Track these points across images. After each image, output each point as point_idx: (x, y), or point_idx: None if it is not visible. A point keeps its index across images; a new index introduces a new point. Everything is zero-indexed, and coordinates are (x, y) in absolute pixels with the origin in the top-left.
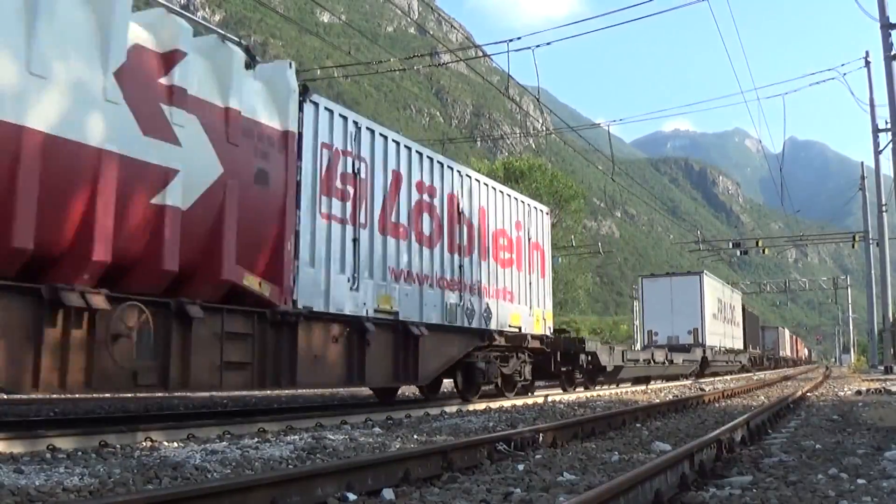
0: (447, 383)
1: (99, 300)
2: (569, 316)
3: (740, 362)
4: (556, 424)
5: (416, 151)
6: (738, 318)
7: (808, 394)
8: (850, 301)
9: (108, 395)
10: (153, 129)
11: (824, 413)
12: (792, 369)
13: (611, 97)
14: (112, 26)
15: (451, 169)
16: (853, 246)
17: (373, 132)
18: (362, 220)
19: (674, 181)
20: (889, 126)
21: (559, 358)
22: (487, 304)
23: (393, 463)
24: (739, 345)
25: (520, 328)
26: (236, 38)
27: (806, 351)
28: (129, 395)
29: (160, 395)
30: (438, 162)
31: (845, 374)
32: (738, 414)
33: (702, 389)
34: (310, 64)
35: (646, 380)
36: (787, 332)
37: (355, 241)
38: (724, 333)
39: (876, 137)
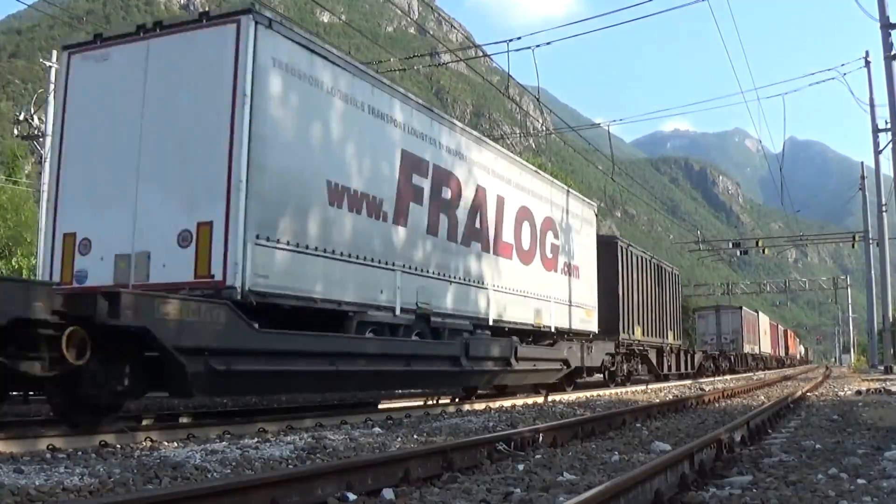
0: None
1: None
2: None
3: (564, 363)
4: (556, 424)
5: None
6: (584, 257)
7: (808, 394)
8: (850, 301)
9: None
10: None
11: (824, 413)
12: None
13: (611, 97)
14: None
15: None
16: (853, 246)
17: None
18: None
19: (674, 181)
20: (889, 126)
21: None
22: None
23: (393, 463)
24: (563, 318)
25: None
26: None
27: (802, 349)
28: None
29: (160, 395)
30: None
31: (845, 374)
32: (738, 414)
33: (702, 389)
34: None
35: None
36: (763, 318)
37: None
38: (446, 265)
39: (876, 137)
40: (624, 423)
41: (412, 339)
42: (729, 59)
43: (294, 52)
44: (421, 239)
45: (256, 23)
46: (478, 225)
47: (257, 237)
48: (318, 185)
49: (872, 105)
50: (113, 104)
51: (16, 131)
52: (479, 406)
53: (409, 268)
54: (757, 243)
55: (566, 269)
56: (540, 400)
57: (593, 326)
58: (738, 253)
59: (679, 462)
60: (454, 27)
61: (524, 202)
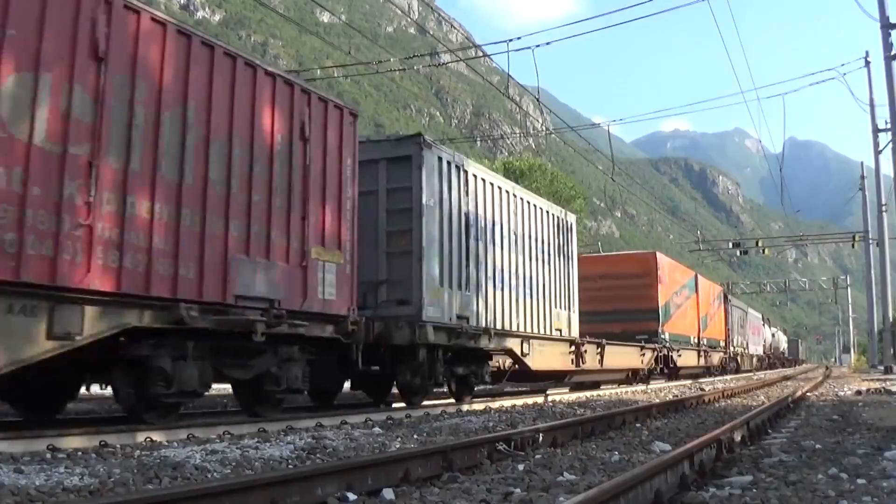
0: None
1: None
2: None
3: None
4: (556, 424)
5: None
6: None
7: (808, 394)
8: (850, 301)
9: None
10: None
11: (824, 413)
12: None
13: (611, 97)
14: None
15: None
16: (853, 246)
17: None
18: None
19: (674, 181)
20: (889, 126)
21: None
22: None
23: (393, 463)
24: None
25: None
26: None
27: (778, 337)
28: None
29: None
30: None
31: (845, 374)
32: (738, 414)
33: (702, 389)
34: (310, 64)
35: None
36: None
37: None
38: None
39: (876, 137)
40: (624, 423)
41: None
42: (729, 59)
43: None
44: None
45: None
46: None
47: None
48: None
49: (872, 105)
50: None
51: None
52: (479, 406)
53: None
54: (757, 243)
55: None
56: (540, 400)
57: None
58: (738, 253)
59: (679, 462)
60: (454, 27)
61: None
